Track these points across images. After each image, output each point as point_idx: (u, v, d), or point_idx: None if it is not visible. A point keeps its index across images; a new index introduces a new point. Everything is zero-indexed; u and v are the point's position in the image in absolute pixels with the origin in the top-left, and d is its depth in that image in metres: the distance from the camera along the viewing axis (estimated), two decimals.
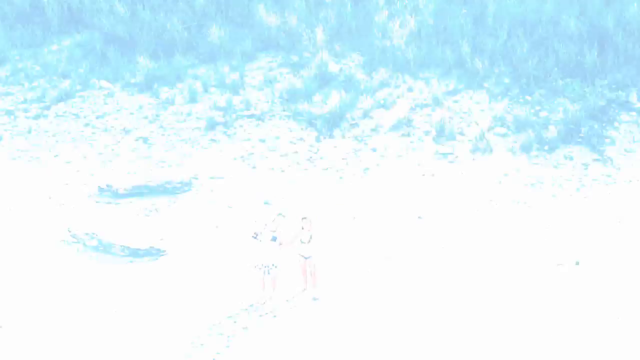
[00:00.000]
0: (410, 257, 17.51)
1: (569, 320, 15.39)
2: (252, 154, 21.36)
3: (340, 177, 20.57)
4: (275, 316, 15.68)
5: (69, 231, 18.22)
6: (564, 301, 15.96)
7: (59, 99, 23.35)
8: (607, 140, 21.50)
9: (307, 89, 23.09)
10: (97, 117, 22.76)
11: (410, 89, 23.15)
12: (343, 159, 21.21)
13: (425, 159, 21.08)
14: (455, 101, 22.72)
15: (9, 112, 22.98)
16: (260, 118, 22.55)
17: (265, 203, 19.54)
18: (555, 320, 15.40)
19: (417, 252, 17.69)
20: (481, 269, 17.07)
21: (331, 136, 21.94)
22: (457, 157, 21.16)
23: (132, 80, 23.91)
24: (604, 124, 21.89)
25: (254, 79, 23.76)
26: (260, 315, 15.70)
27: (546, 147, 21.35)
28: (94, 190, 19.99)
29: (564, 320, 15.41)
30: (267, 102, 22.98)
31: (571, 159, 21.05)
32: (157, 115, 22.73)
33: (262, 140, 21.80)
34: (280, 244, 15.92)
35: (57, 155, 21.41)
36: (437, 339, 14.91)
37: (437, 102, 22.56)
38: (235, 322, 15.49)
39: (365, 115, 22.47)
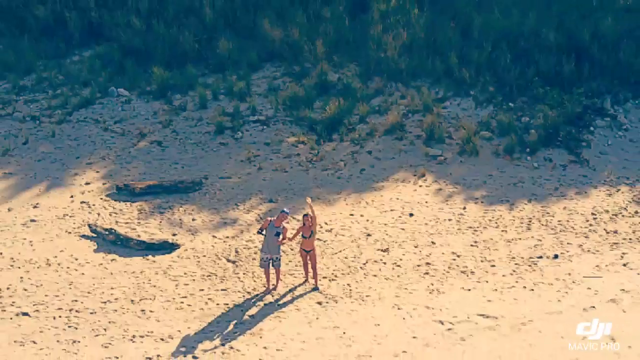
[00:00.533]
0: (403, 251, 17.54)
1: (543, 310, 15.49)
2: (258, 156, 21.39)
3: (339, 177, 20.60)
4: (279, 304, 15.71)
5: (90, 227, 18.25)
6: (542, 290, 16.01)
7: (81, 106, 23.41)
8: (584, 144, 21.55)
9: (308, 96, 23.13)
10: (115, 122, 22.80)
11: (402, 97, 23.20)
12: (341, 160, 21.25)
13: (417, 161, 21.12)
14: (444, 107, 22.77)
15: (34, 118, 23.02)
16: (265, 123, 22.59)
17: (270, 201, 19.56)
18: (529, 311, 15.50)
19: (409, 246, 17.71)
20: (466, 261, 17.09)
21: (330, 139, 21.97)
22: (445, 158, 21.19)
23: (148, 89, 23.98)
24: (580, 129, 21.95)
25: (259, 87, 23.81)
26: (266, 304, 15.73)
27: (527, 150, 21.40)
28: (112, 189, 20.02)
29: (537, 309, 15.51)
30: (272, 108, 23.03)
31: (550, 160, 21.10)
32: (170, 121, 22.77)
33: (267, 144, 21.84)
34: (284, 239, 15.96)
35: (78, 157, 21.44)
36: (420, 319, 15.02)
37: (427, 108, 22.60)
38: (242, 310, 15.52)
39: (362, 120, 22.52)
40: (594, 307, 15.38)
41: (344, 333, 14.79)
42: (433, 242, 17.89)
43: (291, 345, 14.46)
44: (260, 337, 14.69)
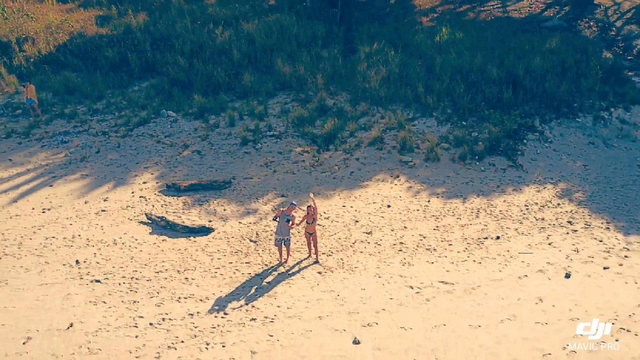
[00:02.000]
0: (383, 233, 17.55)
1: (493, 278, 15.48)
2: (273, 161, 21.39)
3: (334, 178, 20.61)
4: (289, 274, 15.73)
5: (146, 215, 18.26)
6: (487, 263, 16.01)
7: (139, 124, 23.41)
8: (519, 153, 21.55)
9: (311, 116, 23.14)
10: (166, 136, 22.80)
11: (382, 117, 23.19)
12: (336, 165, 21.25)
13: (393, 165, 21.12)
14: (414, 125, 22.76)
15: (104, 133, 23.03)
16: (278, 137, 22.59)
17: (282, 196, 19.57)
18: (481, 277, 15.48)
19: (387, 230, 17.73)
20: (430, 241, 17.09)
21: (327, 149, 21.97)
22: (414, 164, 21.19)
23: (190, 111, 23.96)
24: (516, 141, 21.95)
25: (274, 110, 23.80)
26: (279, 273, 15.75)
27: (476, 157, 21.40)
28: (163, 187, 20.03)
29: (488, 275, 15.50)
30: (283, 126, 23.02)
31: (493, 165, 21.10)
32: (207, 135, 22.77)
33: (280, 152, 21.84)
34: (292, 224, 15.97)
35: (137, 163, 21.45)
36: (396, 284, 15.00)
37: (401, 126, 22.60)
38: (261, 278, 15.54)
39: (351, 135, 22.51)
40: (526, 275, 15.41)
41: (338, 295, 14.81)
42: (405, 227, 17.90)
43: (298, 305, 14.49)
44: (275, 298, 14.72)
